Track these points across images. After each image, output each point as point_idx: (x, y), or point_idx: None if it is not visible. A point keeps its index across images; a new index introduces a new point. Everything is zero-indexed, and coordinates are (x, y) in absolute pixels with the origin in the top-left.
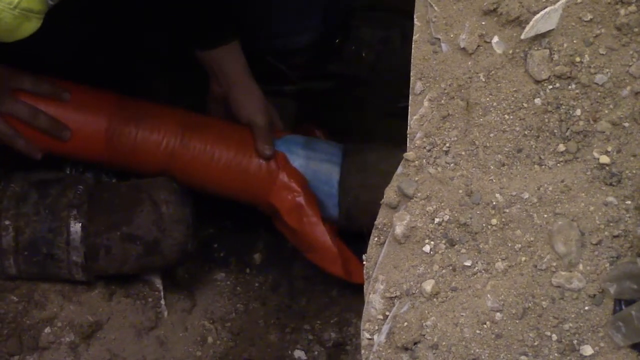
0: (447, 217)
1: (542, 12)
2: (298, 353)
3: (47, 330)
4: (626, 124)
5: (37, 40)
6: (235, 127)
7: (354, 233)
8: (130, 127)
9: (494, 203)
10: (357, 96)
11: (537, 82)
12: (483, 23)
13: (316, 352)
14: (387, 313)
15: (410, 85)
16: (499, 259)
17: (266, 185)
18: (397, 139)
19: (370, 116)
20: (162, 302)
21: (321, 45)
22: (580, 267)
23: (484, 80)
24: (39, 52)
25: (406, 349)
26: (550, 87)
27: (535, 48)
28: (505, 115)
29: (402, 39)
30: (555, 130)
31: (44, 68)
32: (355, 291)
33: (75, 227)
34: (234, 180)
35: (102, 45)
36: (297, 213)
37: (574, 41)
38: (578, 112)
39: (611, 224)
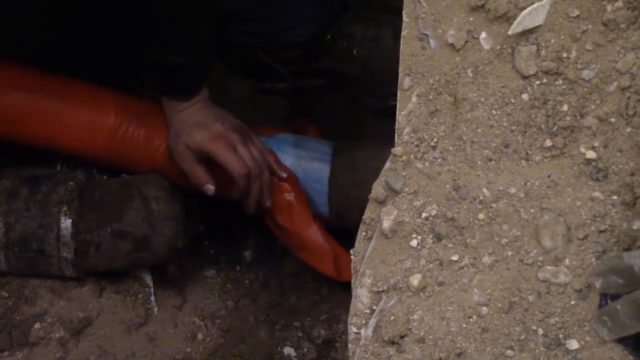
0: (435, 211)
1: (529, 8)
2: (288, 350)
3: (37, 325)
4: (612, 120)
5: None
6: None
7: (344, 230)
8: (133, 126)
9: (481, 198)
10: (349, 94)
11: (525, 77)
12: (471, 19)
13: (306, 349)
14: (374, 307)
15: (399, 81)
16: (486, 254)
17: None
18: (387, 137)
19: (361, 114)
20: (152, 298)
21: (313, 41)
22: (567, 261)
23: (471, 75)
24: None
25: (393, 342)
26: (538, 82)
27: (523, 44)
28: (493, 111)
29: (394, 38)
30: (542, 126)
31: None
32: (345, 288)
33: (66, 223)
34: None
35: (94, 41)
36: (288, 212)
37: (561, 37)
38: (565, 107)
39: (597, 219)
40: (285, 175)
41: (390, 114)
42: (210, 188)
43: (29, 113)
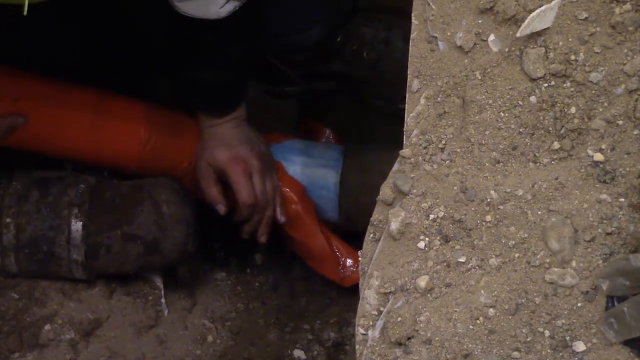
0: (442, 213)
1: (537, 11)
2: (297, 352)
3: (47, 327)
4: (620, 122)
5: (32, 41)
6: None
7: (354, 234)
8: (163, 137)
9: (489, 200)
10: (358, 97)
11: (533, 80)
12: (479, 21)
13: (315, 352)
14: (382, 308)
15: (407, 83)
16: (493, 255)
17: None
18: (397, 140)
19: (372, 117)
20: (163, 300)
21: (323, 44)
22: (574, 263)
23: (480, 78)
24: (36, 54)
25: (400, 344)
26: (546, 85)
27: (531, 46)
28: (501, 113)
29: (403, 40)
30: (550, 128)
31: (45, 69)
32: (354, 292)
33: (76, 226)
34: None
35: (105, 45)
36: (296, 222)
37: (569, 39)
38: (573, 110)
39: (604, 221)
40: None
41: (400, 117)
42: (222, 208)
43: (63, 127)
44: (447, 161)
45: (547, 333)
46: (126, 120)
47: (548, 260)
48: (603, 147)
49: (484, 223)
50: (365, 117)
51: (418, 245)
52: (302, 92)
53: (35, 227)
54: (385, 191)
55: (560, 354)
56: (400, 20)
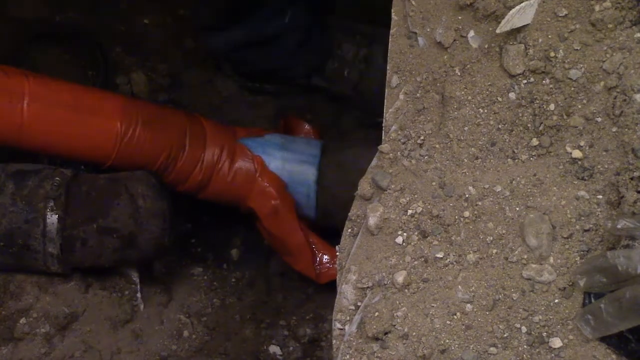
0: (420, 209)
1: (517, 7)
2: (273, 348)
3: (23, 321)
4: (599, 119)
5: None
6: (221, 131)
7: (330, 230)
8: (139, 131)
9: (467, 196)
10: (338, 109)
11: (512, 76)
12: (459, 17)
13: (291, 348)
14: (359, 303)
15: (387, 79)
16: (471, 251)
17: (245, 190)
18: (375, 135)
19: (350, 126)
20: (139, 295)
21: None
22: (551, 260)
23: (459, 74)
24: None
25: (377, 338)
26: (525, 81)
27: (511, 42)
28: (480, 109)
29: (384, 57)
30: (529, 125)
31: None
32: (330, 288)
33: (52, 219)
34: (214, 185)
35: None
36: (275, 218)
37: (549, 36)
38: (552, 106)
39: (582, 218)
40: None
41: (377, 128)
42: None
43: (43, 123)
44: (426, 157)
45: (524, 329)
46: (103, 115)
47: (526, 257)
48: (582, 144)
49: (462, 219)
50: (344, 115)
51: (396, 240)
52: (281, 90)
53: (10, 220)
54: (364, 186)
55: (537, 350)
56: (382, 31)
